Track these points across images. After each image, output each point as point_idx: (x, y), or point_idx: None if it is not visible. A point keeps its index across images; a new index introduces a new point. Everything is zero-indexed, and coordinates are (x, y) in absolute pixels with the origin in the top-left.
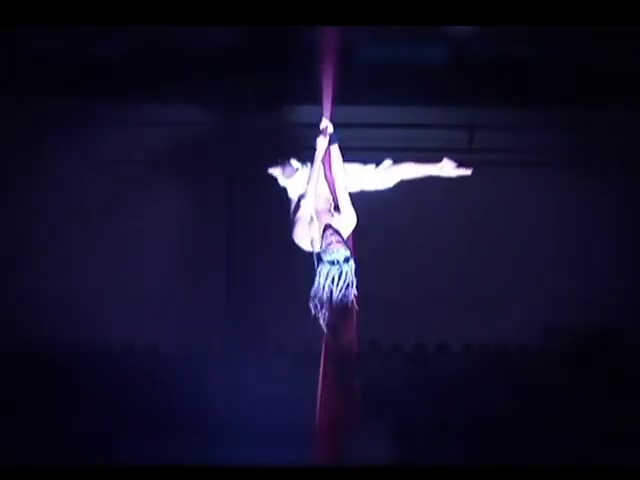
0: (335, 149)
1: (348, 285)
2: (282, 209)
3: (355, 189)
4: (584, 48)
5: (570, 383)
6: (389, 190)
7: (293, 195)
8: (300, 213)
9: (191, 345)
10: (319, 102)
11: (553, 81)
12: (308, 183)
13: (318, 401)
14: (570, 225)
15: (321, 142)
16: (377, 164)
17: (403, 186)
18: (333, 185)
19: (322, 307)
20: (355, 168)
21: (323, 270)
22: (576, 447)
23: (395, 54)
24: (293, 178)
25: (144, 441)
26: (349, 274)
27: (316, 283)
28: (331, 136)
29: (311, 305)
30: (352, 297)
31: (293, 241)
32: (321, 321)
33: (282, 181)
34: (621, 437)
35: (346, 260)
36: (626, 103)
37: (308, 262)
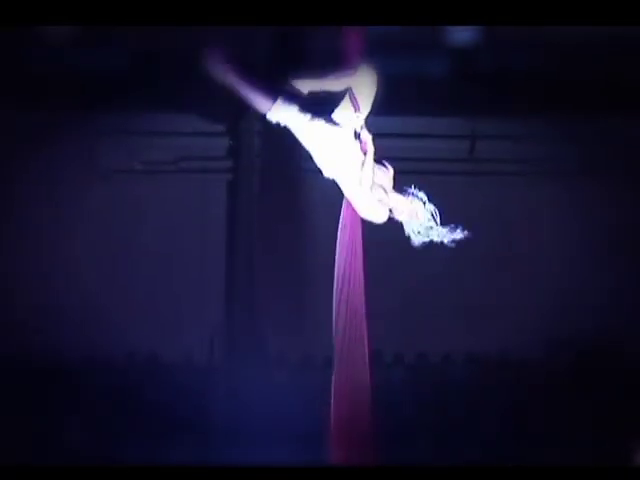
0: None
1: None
2: (283, 213)
3: None
4: (586, 58)
5: (572, 393)
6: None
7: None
8: (365, 195)
9: (192, 353)
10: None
11: (554, 91)
12: (367, 169)
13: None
14: (572, 236)
15: (367, 136)
16: None
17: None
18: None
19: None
20: None
21: (420, 208)
22: (576, 452)
23: (397, 64)
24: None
25: (144, 441)
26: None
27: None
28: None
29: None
30: None
31: (294, 246)
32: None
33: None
34: (621, 439)
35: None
36: (628, 112)
37: (309, 268)
